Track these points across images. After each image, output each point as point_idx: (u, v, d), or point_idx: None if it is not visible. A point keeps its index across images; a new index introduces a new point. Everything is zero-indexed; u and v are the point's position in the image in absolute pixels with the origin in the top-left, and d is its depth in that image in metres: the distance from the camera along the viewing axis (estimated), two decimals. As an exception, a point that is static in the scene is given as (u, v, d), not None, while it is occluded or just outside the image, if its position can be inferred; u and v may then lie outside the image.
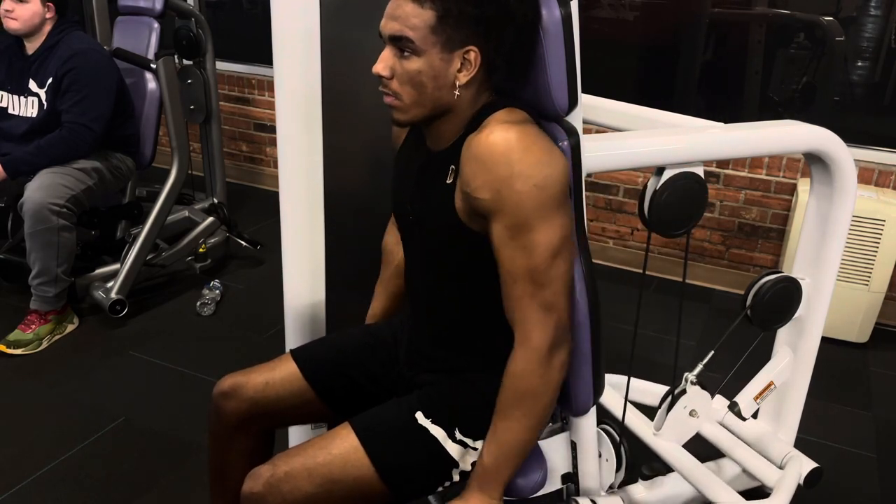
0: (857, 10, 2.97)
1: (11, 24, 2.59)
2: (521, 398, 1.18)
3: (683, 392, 1.62)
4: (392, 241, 1.58)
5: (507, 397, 1.20)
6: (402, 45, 1.14)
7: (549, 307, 1.16)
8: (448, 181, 1.20)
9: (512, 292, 1.17)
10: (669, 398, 1.62)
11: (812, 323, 1.75)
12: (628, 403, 1.86)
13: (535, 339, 1.16)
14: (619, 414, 1.89)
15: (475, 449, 1.29)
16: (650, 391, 2.01)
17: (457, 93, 1.17)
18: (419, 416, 1.28)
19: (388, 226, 1.60)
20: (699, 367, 1.63)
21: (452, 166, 1.20)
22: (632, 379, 1.99)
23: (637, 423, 1.82)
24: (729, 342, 1.68)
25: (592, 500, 1.43)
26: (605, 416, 1.77)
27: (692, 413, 1.63)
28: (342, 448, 1.23)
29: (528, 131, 1.13)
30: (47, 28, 2.63)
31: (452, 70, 1.15)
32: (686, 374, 1.62)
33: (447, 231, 1.22)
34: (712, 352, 1.65)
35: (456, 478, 1.29)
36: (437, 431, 1.27)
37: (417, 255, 1.35)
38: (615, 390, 2.01)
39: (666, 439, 1.67)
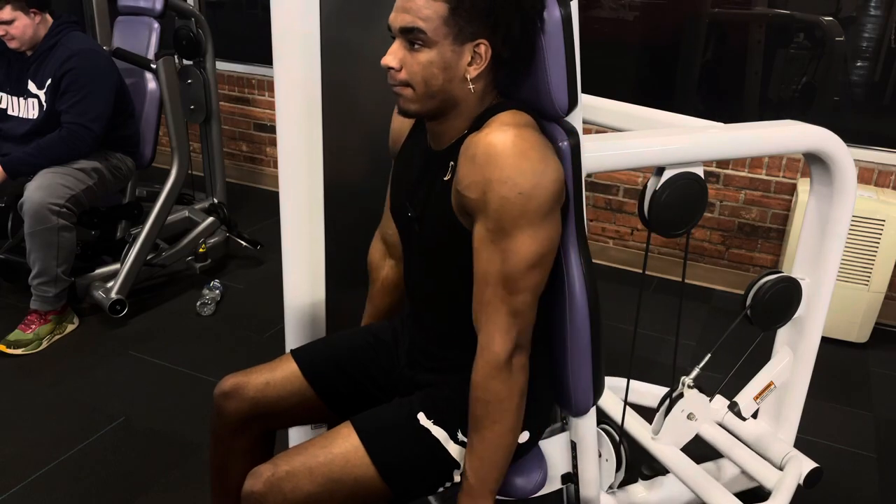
0: (857, 10, 2.97)
1: (13, 45, 2.61)
2: (488, 406, 1.18)
3: (681, 396, 1.62)
4: (377, 256, 1.56)
5: (475, 409, 1.19)
6: (413, 36, 1.13)
7: (515, 314, 1.16)
8: (446, 178, 1.20)
9: (482, 295, 1.16)
10: (667, 402, 1.62)
11: (812, 323, 1.75)
12: (628, 407, 1.86)
13: (496, 346, 1.16)
14: (618, 417, 1.89)
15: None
16: (649, 393, 2.01)
17: (470, 87, 1.16)
18: (421, 416, 1.28)
19: (374, 240, 1.57)
20: (696, 371, 1.63)
21: (452, 163, 1.20)
22: (631, 381, 1.99)
23: (636, 426, 1.82)
24: (729, 342, 1.68)
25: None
26: (604, 418, 1.77)
27: (690, 416, 1.63)
28: (343, 447, 1.23)
29: (527, 136, 1.13)
30: (43, 31, 2.63)
31: (463, 63, 1.15)
32: (683, 378, 1.62)
33: (445, 227, 1.22)
34: (708, 355, 1.65)
35: (457, 478, 1.29)
36: (439, 432, 1.27)
37: (416, 252, 1.35)
38: (614, 393, 2.01)
39: (664, 443, 1.67)
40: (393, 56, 1.15)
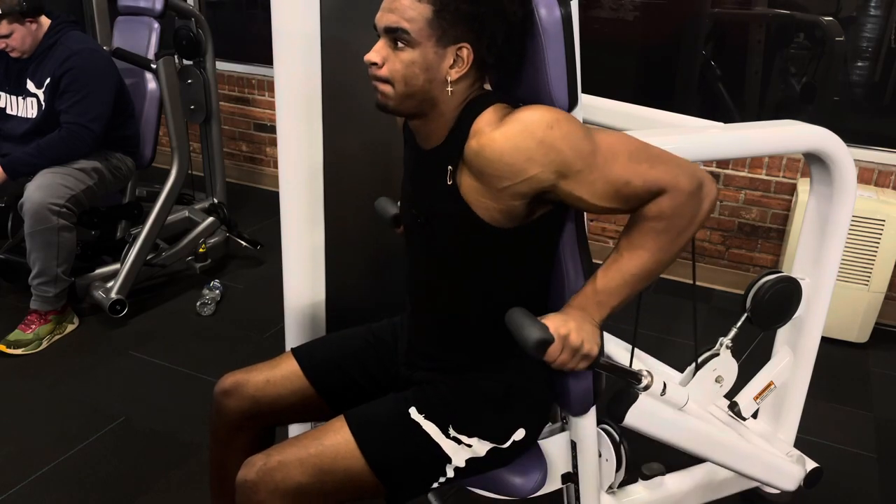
0: (857, 10, 2.97)
1: (14, 55, 2.62)
2: (662, 232, 1.17)
3: (716, 355, 1.62)
4: None
5: (641, 231, 1.18)
6: (397, 36, 1.14)
7: (678, 164, 1.16)
8: (449, 182, 1.20)
9: (634, 189, 1.15)
10: (699, 359, 1.62)
11: (812, 323, 1.75)
12: (647, 358, 1.84)
13: (681, 183, 1.14)
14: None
15: (469, 446, 1.29)
16: (654, 368, 2.00)
17: (449, 89, 1.18)
18: (412, 411, 1.29)
19: None
20: (733, 332, 1.63)
21: (450, 167, 1.20)
22: (646, 357, 1.98)
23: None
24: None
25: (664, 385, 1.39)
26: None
27: (718, 379, 1.63)
28: (334, 440, 1.24)
29: (515, 111, 1.15)
30: (41, 34, 2.63)
31: (445, 66, 1.16)
32: (721, 339, 1.63)
33: (462, 231, 1.22)
34: (745, 314, 1.64)
35: (450, 474, 1.29)
36: (430, 427, 1.28)
37: (421, 250, 1.35)
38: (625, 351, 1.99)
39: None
40: (376, 53, 1.17)
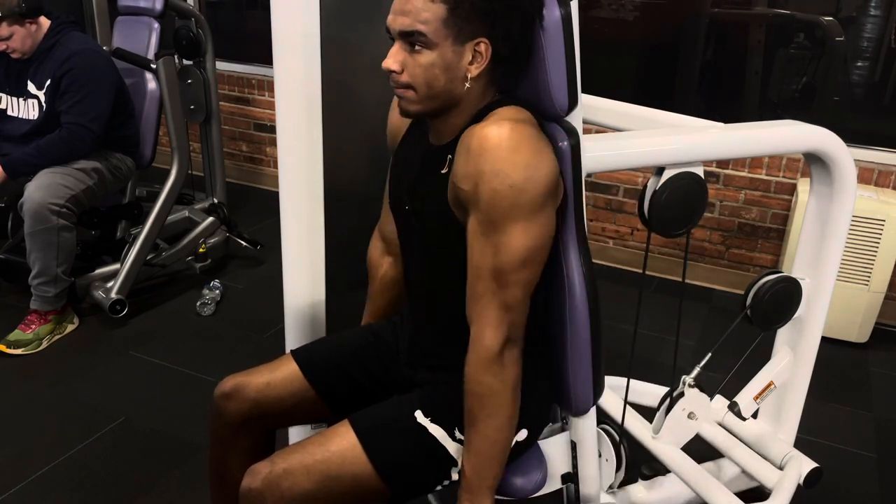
0: (857, 10, 2.97)
1: (15, 56, 2.62)
2: (482, 400, 1.17)
3: (681, 395, 1.62)
4: (376, 253, 1.56)
5: (469, 403, 1.18)
6: (413, 39, 1.13)
7: (507, 308, 1.14)
8: (443, 171, 1.21)
9: (475, 288, 1.16)
10: (668, 401, 1.62)
11: (812, 323, 1.75)
12: (628, 407, 1.86)
13: (487, 339, 1.15)
14: (618, 416, 1.89)
15: (475, 448, 1.29)
16: (649, 392, 2.01)
17: (467, 85, 1.17)
18: (418, 414, 1.28)
19: (372, 238, 1.57)
20: (696, 370, 1.63)
21: (450, 156, 1.20)
22: (631, 381, 1.99)
23: (636, 425, 1.82)
24: (729, 342, 1.68)
25: None
26: (604, 418, 1.78)
27: (690, 415, 1.63)
28: (340, 445, 1.24)
29: (522, 130, 1.12)
30: (41, 35, 2.63)
31: (464, 62, 1.15)
32: (683, 377, 1.62)
33: (441, 221, 1.22)
34: (709, 354, 1.65)
35: (455, 476, 1.29)
36: (437, 430, 1.27)
37: (415, 247, 1.35)
38: (614, 392, 2.01)
39: (664, 442, 1.67)
40: (393, 59, 1.15)
